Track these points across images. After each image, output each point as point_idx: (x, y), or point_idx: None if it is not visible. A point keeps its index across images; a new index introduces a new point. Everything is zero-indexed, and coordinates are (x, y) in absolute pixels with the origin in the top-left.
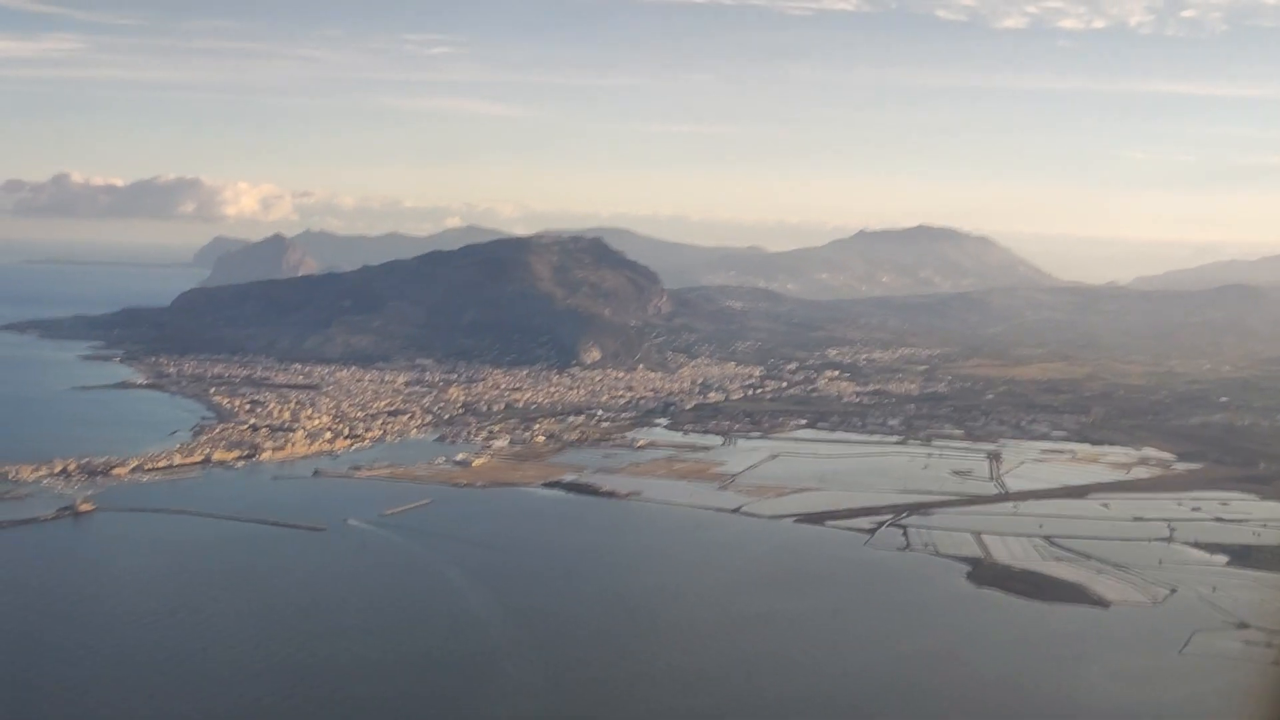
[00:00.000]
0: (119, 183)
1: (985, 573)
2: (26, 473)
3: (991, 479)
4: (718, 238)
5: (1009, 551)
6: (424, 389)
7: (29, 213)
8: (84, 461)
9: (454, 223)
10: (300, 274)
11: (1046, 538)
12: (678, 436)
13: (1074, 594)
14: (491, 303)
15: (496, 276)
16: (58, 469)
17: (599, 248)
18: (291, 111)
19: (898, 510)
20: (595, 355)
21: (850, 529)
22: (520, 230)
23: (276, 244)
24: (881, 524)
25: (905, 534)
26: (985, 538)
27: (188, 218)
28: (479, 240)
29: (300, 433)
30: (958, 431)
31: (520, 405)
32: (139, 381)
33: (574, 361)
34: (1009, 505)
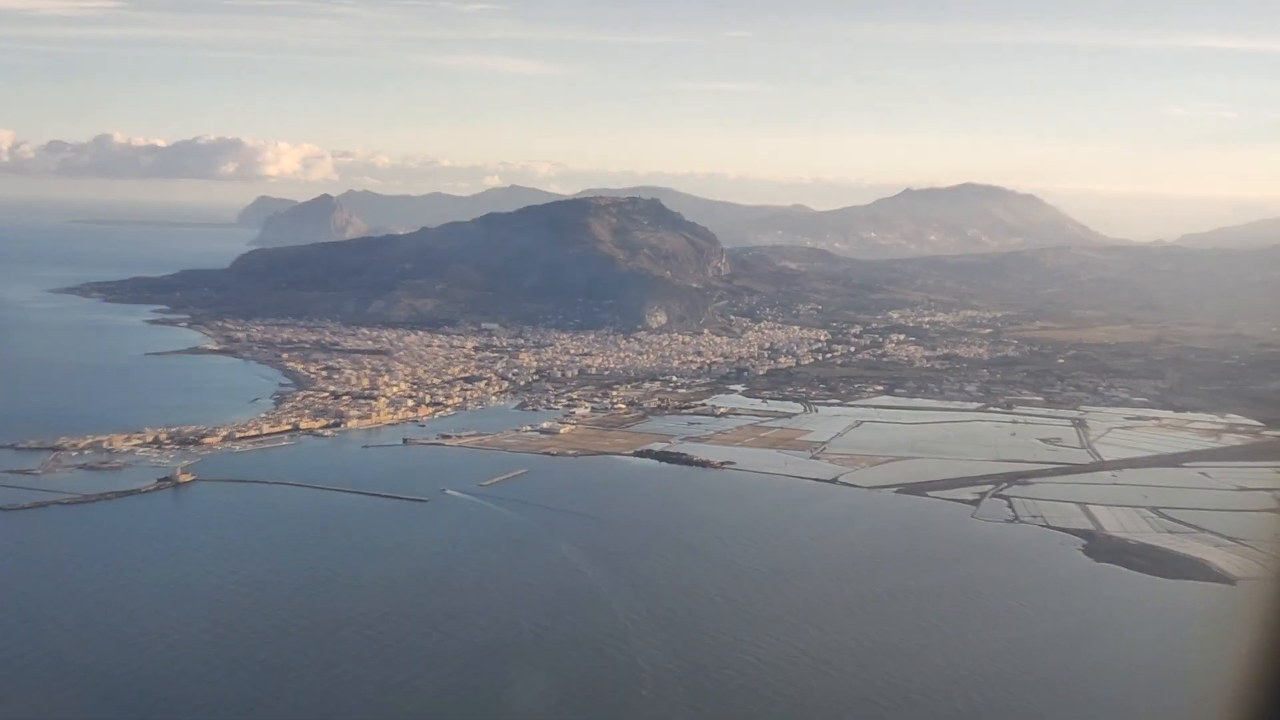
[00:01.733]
0: (161, 143)
1: (1101, 546)
2: (119, 442)
3: (1082, 447)
4: (758, 196)
5: (1119, 524)
6: (495, 354)
7: (71, 173)
8: (174, 431)
9: (493, 182)
10: (348, 234)
11: (1154, 509)
12: (757, 403)
13: (1197, 570)
14: (553, 266)
15: (556, 239)
16: (149, 438)
17: (656, 209)
18: (329, 71)
19: (996, 480)
20: (661, 319)
21: (953, 500)
22: (556, 189)
23: (324, 204)
24: (984, 495)
25: (1010, 505)
26: (1092, 509)
27: (229, 178)
28: (521, 199)
29: (382, 400)
30: (1036, 398)
31: (593, 371)
32: (210, 347)
33: (639, 326)
34: (1108, 474)
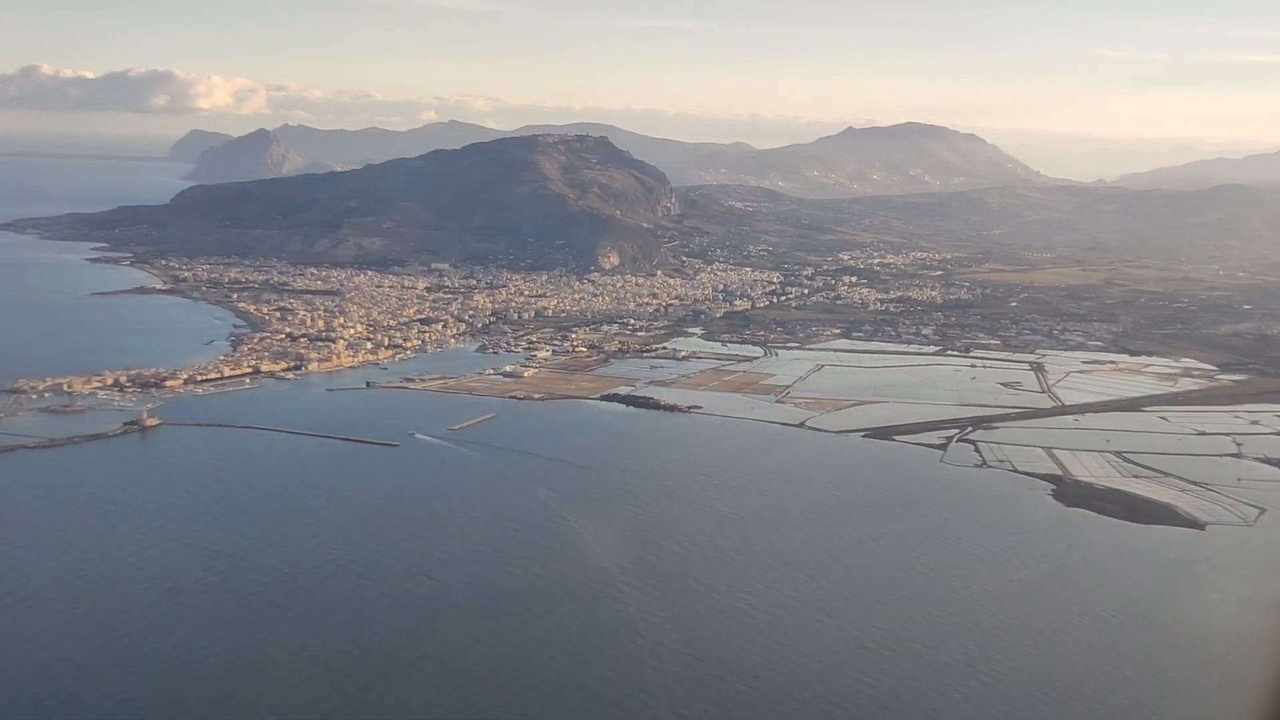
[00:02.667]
0: (89, 75)
1: (1070, 492)
2: (79, 385)
3: (1042, 391)
4: (697, 134)
5: (1085, 468)
6: (448, 295)
7: None
8: (134, 373)
9: (430, 117)
10: (284, 169)
11: (1118, 454)
12: (716, 347)
13: (1166, 515)
14: (501, 204)
15: (504, 176)
16: (109, 381)
17: (605, 146)
18: (261, 3)
19: (960, 425)
20: (613, 260)
21: (920, 444)
22: (493, 124)
23: (260, 138)
24: (950, 439)
25: (977, 449)
26: (1057, 453)
27: (160, 111)
28: (460, 135)
29: (341, 343)
30: (993, 341)
31: (549, 314)
32: (157, 286)
33: (592, 267)
34: (1070, 419)
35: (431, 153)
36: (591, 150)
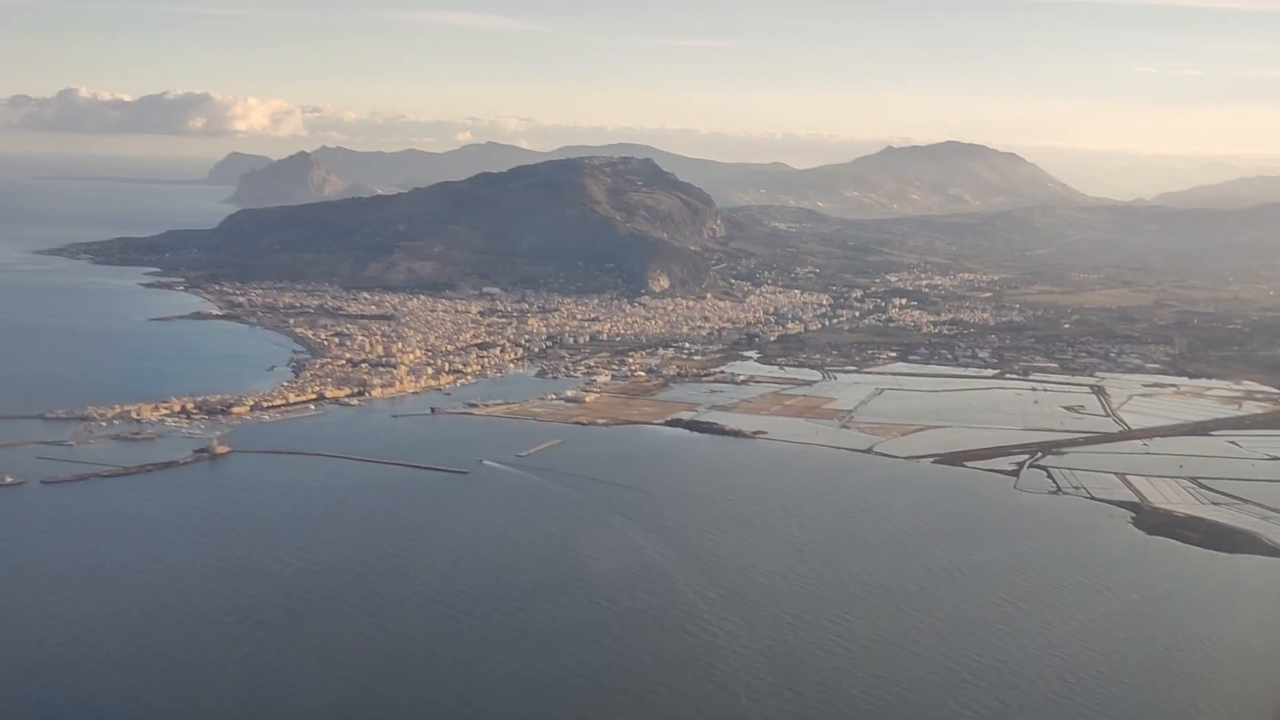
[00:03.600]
0: (127, 98)
1: (1149, 519)
2: (147, 412)
3: (1107, 415)
4: (733, 153)
5: (1162, 495)
6: (501, 319)
7: (36, 127)
8: (200, 400)
9: (465, 137)
10: (325, 191)
11: (1192, 479)
12: (774, 370)
13: (1251, 543)
14: (550, 227)
15: (551, 199)
16: (177, 408)
17: (650, 169)
18: (296, 25)
19: (1030, 450)
20: (664, 283)
21: (991, 470)
22: (526, 144)
23: (301, 161)
24: (1021, 465)
25: (1050, 476)
26: (1131, 479)
27: (197, 133)
28: (498, 157)
29: (403, 368)
30: (1050, 364)
31: (604, 337)
32: (213, 312)
33: (642, 290)
34: (1138, 444)
35: (478, 176)
36: (636, 172)
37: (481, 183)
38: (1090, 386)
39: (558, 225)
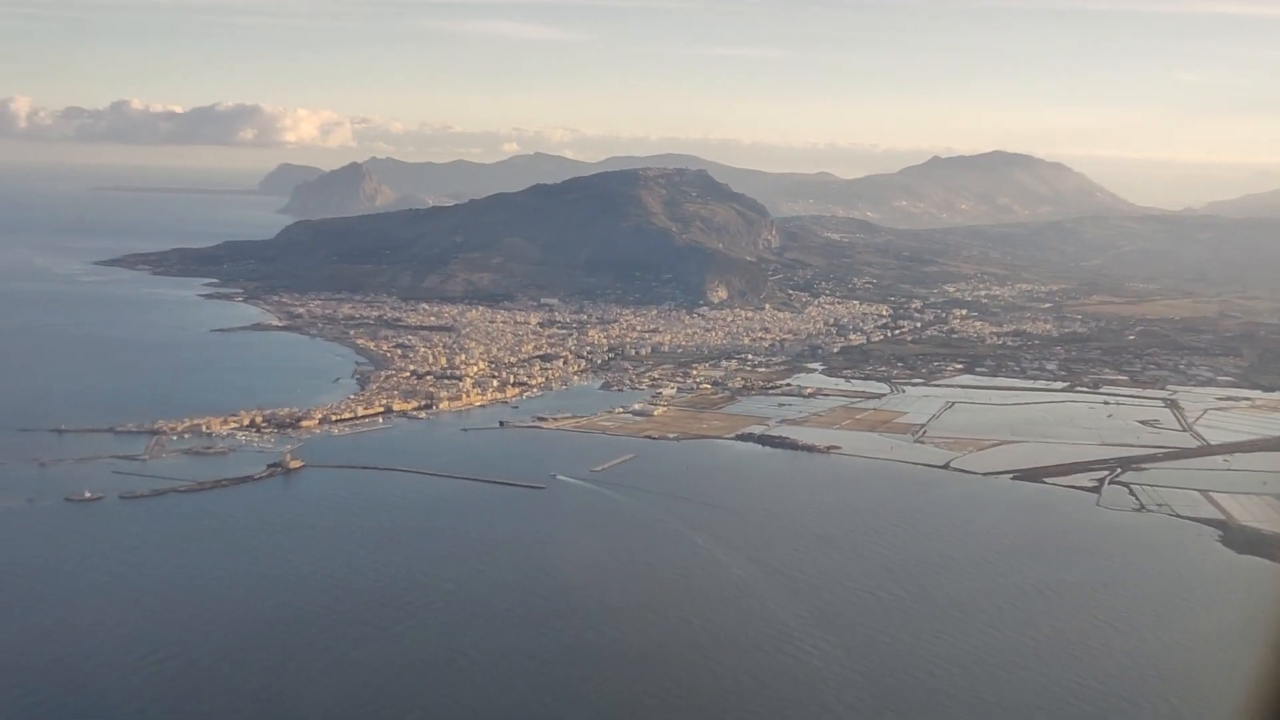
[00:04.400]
0: (178, 109)
1: (1238, 538)
2: (217, 425)
3: (1183, 429)
4: (778, 163)
5: (1249, 513)
6: (562, 331)
7: (89, 139)
8: (269, 413)
9: (511, 148)
10: (377, 202)
11: (1277, 496)
12: (840, 383)
13: None
14: (606, 239)
15: (606, 211)
16: (245, 421)
17: (704, 180)
18: (343, 36)
19: (1108, 465)
20: (722, 294)
21: (1071, 486)
22: (571, 154)
23: (352, 172)
24: (1102, 481)
25: (1132, 493)
26: (1215, 496)
27: (248, 144)
28: (546, 168)
29: (468, 380)
30: (1120, 377)
31: (666, 349)
32: (274, 323)
33: (701, 301)
34: (1219, 459)
35: (533, 187)
36: (691, 183)
37: (536, 194)
38: (1163, 400)
39: (614, 237)
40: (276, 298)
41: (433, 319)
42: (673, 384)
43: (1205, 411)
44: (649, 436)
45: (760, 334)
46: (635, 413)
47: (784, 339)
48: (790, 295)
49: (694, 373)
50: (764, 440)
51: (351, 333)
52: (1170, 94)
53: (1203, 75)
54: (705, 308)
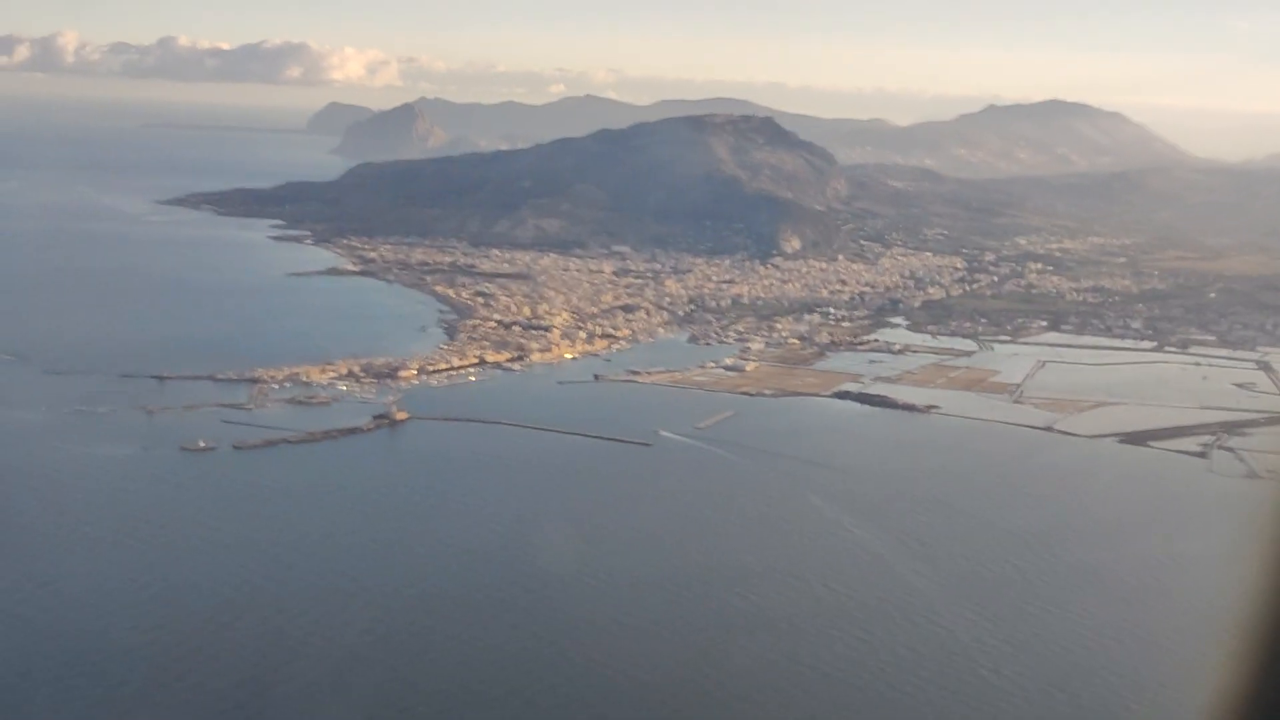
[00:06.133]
0: (225, 46)
1: None
2: (315, 374)
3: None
4: (828, 108)
5: None
6: (638, 280)
7: (135, 75)
8: (365, 363)
9: (558, 89)
10: (430, 144)
11: None
12: (926, 339)
13: None
14: (675, 186)
15: (675, 158)
16: (343, 370)
17: (771, 127)
18: None
19: (1212, 430)
20: (795, 245)
21: (1178, 451)
22: (615, 95)
23: (405, 113)
24: (1208, 446)
25: (1240, 458)
26: None
27: (294, 83)
28: (597, 111)
29: (555, 332)
30: (1208, 337)
31: (745, 301)
32: (348, 268)
33: (774, 251)
34: None
35: (598, 132)
36: (757, 130)
37: (601, 139)
38: (1255, 362)
39: (682, 184)
40: (346, 241)
41: (506, 266)
42: (759, 338)
43: None
44: (745, 393)
45: (837, 286)
46: (727, 368)
47: (862, 291)
48: (862, 246)
49: (778, 326)
50: (862, 398)
51: (428, 279)
52: (1223, 42)
53: (1256, 23)
54: (779, 258)
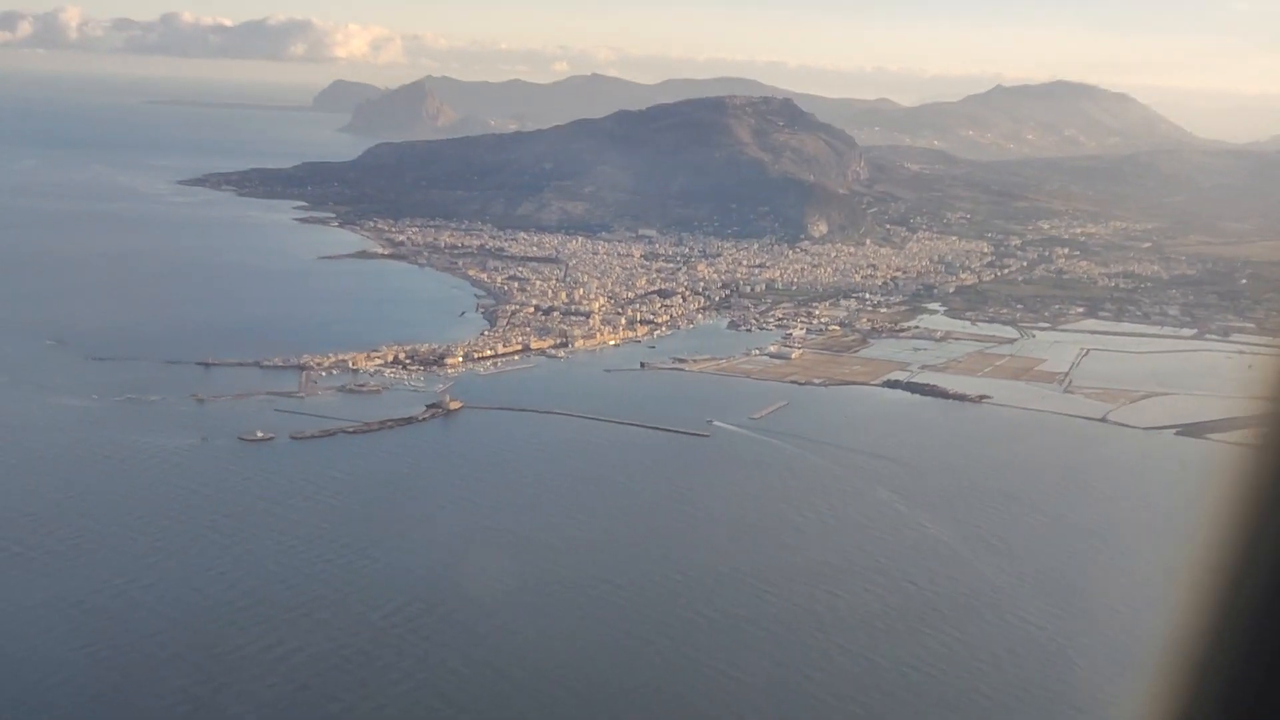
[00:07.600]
0: (228, 22)
1: None
2: (361, 361)
3: None
4: (825, 87)
5: None
6: (667, 264)
7: (138, 51)
8: (410, 349)
9: (561, 68)
10: (439, 123)
11: None
12: (965, 325)
13: None
14: (699, 169)
15: (696, 140)
16: (390, 357)
17: (791, 109)
18: None
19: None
20: (822, 228)
21: (1238, 444)
22: (617, 73)
23: (415, 91)
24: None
25: None
26: None
27: (298, 60)
28: (604, 91)
29: (596, 318)
30: (1246, 324)
31: (779, 286)
32: (379, 251)
33: (802, 235)
34: None
35: (618, 114)
36: (777, 113)
37: (622, 121)
38: None
39: (706, 166)
40: (371, 223)
41: (534, 249)
42: (799, 324)
43: None
44: (794, 381)
45: (868, 271)
46: (772, 355)
47: (894, 276)
48: (888, 230)
49: (818, 313)
50: (912, 387)
51: (460, 262)
52: (1226, 24)
53: (1256, 4)
54: (806, 242)
